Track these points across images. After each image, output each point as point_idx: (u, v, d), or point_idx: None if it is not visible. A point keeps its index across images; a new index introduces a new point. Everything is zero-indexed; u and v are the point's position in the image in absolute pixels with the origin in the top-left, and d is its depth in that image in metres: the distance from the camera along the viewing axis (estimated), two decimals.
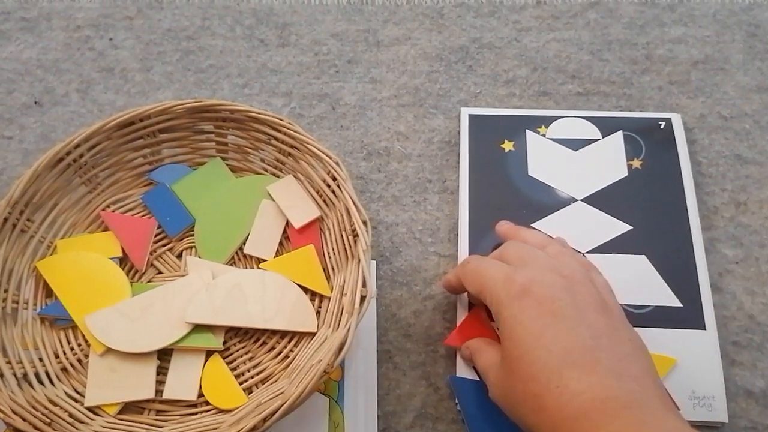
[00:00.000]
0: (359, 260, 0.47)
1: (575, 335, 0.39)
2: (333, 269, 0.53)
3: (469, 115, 0.61)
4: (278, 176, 0.57)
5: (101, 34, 0.67)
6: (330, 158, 0.52)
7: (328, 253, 0.53)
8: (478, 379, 0.50)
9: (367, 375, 0.51)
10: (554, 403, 0.38)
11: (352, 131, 0.61)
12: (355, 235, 0.49)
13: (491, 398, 0.44)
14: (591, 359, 0.38)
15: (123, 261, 0.54)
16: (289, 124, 0.54)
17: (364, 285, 0.46)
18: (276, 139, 0.55)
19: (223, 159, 0.58)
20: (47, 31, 0.68)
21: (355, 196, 0.50)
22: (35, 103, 0.64)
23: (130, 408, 0.49)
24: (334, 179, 0.52)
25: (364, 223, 0.49)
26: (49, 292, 0.52)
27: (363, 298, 0.46)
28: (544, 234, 0.52)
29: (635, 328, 0.50)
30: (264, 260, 0.54)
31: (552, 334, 0.39)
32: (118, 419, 0.47)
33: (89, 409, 0.47)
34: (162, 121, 0.55)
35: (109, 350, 0.49)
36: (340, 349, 0.44)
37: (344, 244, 0.51)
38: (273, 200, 0.55)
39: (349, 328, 0.44)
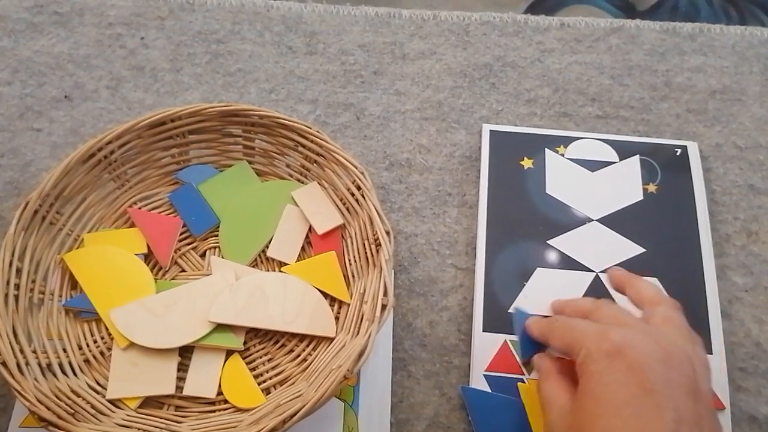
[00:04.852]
0: (381, 269, 0.48)
1: (657, 416, 0.37)
2: (353, 276, 0.54)
3: (491, 131, 0.62)
4: (303, 182, 0.58)
5: (133, 32, 0.68)
6: (356, 168, 0.53)
7: (349, 261, 0.55)
8: (490, 391, 0.51)
9: (381, 382, 0.52)
10: None
11: (375, 141, 0.63)
12: (378, 245, 0.50)
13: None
14: None
15: (147, 257, 0.55)
16: (317, 132, 0.55)
17: (385, 294, 0.47)
18: (303, 146, 0.56)
19: (250, 162, 0.59)
20: (79, 27, 0.69)
21: (379, 207, 0.51)
22: (65, 97, 0.65)
23: (150, 402, 0.50)
24: (359, 188, 0.53)
25: (387, 233, 0.50)
26: (74, 285, 0.53)
27: (384, 307, 0.47)
28: (659, 290, 0.48)
29: None
30: (286, 264, 0.55)
31: (635, 407, 0.37)
32: (138, 413, 0.48)
33: (110, 401, 0.49)
34: (192, 122, 0.57)
35: (132, 345, 0.50)
36: (360, 355, 0.45)
37: (366, 253, 0.52)
38: (297, 205, 0.57)
39: (369, 336, 0.46)
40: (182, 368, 0.51)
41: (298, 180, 0.58)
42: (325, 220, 0.56)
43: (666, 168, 0.60)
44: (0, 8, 0.70)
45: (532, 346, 0.49)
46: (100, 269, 0.53)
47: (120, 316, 0.51)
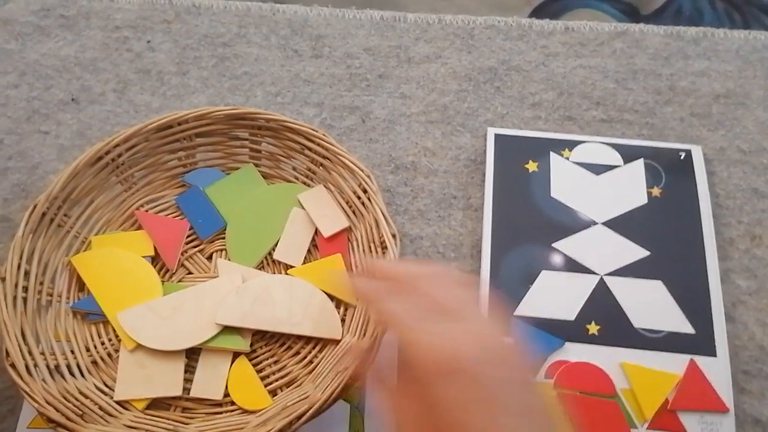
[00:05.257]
0: None
1: (504, 424, 0.36)
2: None
3: (495, 134, 0.63)
4: (309, 185, 0.58)
5: (139, 35, 0.69)
6: (362, 171, 0.53)
7: (355, 263, 0.55)
8: None
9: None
10: None
11: (381, 144, 0.63)
12: (384, 247, 0.51)
13: None
14: None
15: (155, 260, 0.56)
16: (323, 135, 0.55)
17: None
18: (309, 149, 0.57)
19: (256, 165, 0.59)
20: (86, 30, 0.69)
21: (385, 209, 0.51)
22: (72, 100, 0.65)
23: (157, 404, 0.50)
24: (365, 191, 0.54)
25: (394, 236, 0.50)
26: (81, 287, 0.54)
27: None
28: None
29: (648, 352, 0.53)
30: (292, 266, 0.55)
31: (483, 424, 0.36)
32: (146, 414, 0.49)
33: (118, 402, 0.49)
34: (199, 125, 0.57)
35: (139, 346, 0.51)
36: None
37: (372, 256, 0.53)
38: (303, 208, 0.57)
39: (375, 338, 0.46)
40: (189, 370, 0.51)
41: (304, 183, 0.59)
42: (331, 222, 0.56)
43: (670, 172, 0.61)
44: (7, 12, 0.70)
45: None
46: (107, 271, 0.53)
47: (127, 319, 0.51)
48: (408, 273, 0.42)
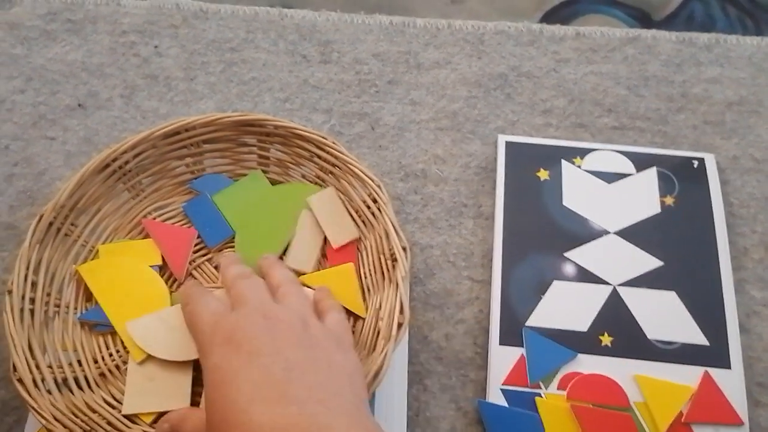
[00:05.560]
0: (397, 285, 0.48)
1: (266, 370, 0.39)
2: (368, 290, 0.53)
3: (506, 142, 0.62)
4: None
5: (146, 40, 0.68)
6: (372, 180, 0.53)
7: (364, 274, 0.54)
8: (507, 405, 0.51)
9: (397, 395, 0.52)
10: None
11: (391, 152, 0.62)
12: (394, 260, 0.50)
13: None
14: (278, 391, 0.38)
15: (162, 269, 0.55)
16: (333, 143, 0.55)
17: (401, 311, 0.47)
18: (318, 156, 0.56)
19: (264, 172, 0.59)
20: (93, 35, 0.69)
21: (395, 221, 0.50)
22: (79, 105, 0.65)
23: None
24: (375, 201, 0.53)
25: (404, 249, 0.49)
26: (89, 297, 0.53)
27: (400, 325, 0.46)
28: (286, 274, 0.50)
29: (662, 363, 0.52)
30: (303, 273, 0.54)
31: (245, 373, 0.39)
32: (154, 428, 0.48)
33: (126, 416, 0.48)
34: (207, 132, 0.56)
35: (147, 358, 0.50)
36: (377, 375, 0.45)
37: (381, 267, 0.52)
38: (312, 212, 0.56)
39: (385, 354, 0.45)
40: (197, 382, 0.50)
41: None
42: (340, 232, 0.55)
43: (683, 180, 0.60)
44: (13, 16, 0.70)
45: None
46: (114, 281, 0.53)
47: (136, 329, 0.51)
48: (229, 279, 0.48)
